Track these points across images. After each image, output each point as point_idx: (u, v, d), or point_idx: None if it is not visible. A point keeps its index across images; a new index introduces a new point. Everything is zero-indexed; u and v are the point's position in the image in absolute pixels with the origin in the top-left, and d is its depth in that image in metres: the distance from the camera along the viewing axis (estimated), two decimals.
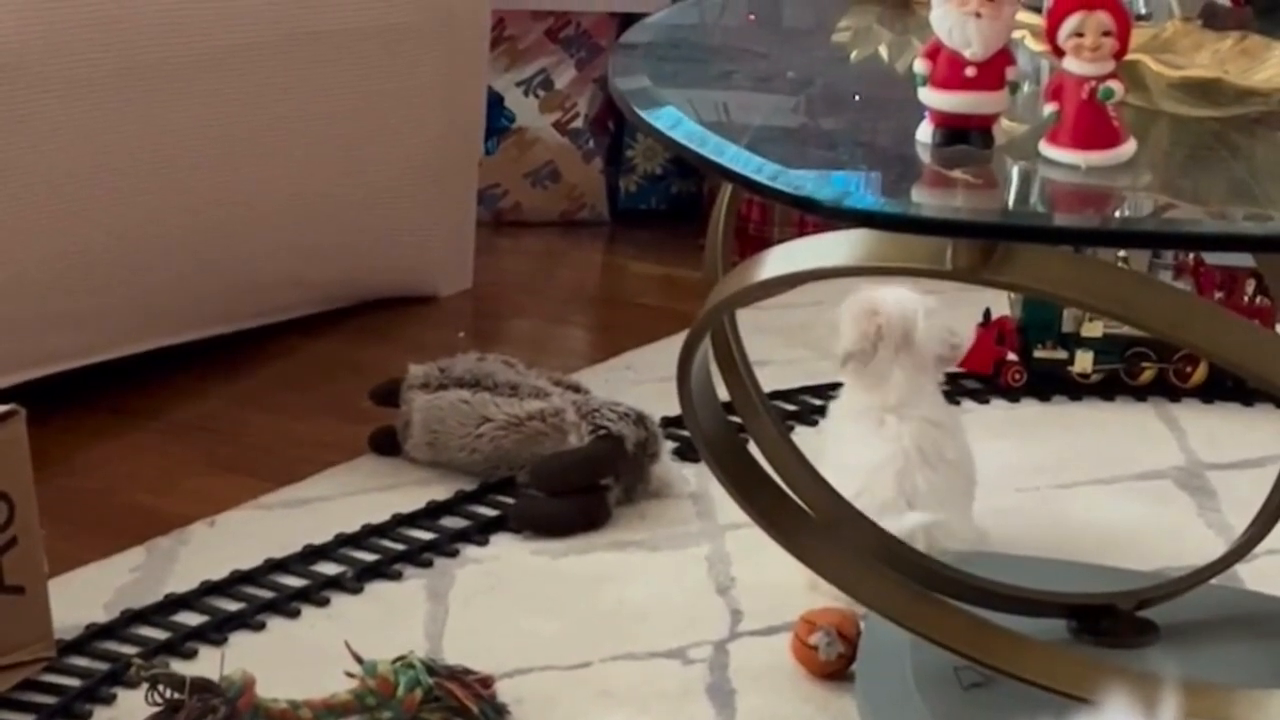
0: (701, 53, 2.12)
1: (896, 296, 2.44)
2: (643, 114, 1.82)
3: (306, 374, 3.04)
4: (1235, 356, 1.66)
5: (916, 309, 2.43)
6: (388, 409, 2.76)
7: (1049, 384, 2.95)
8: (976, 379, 2.98)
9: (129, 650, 2.26)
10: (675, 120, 1.79)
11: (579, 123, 3.74)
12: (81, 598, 2.35)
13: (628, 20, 3.56)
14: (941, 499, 2.35)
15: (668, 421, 2.70)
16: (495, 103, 3.63)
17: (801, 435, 2.80)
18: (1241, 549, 2.25)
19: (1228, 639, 2.15)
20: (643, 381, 2.94)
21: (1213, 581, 2.23)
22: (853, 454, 2.37)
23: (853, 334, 2.42)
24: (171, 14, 2.88)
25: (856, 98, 1.98)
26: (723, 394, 2.12)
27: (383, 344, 3.14)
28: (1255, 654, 2.11)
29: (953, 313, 3.03)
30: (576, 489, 2.58)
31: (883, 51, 2.11)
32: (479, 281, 3.40)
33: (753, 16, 2.31)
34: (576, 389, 2.74)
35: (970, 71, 1.68)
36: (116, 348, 2.93)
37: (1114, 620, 2.16)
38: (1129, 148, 1.67)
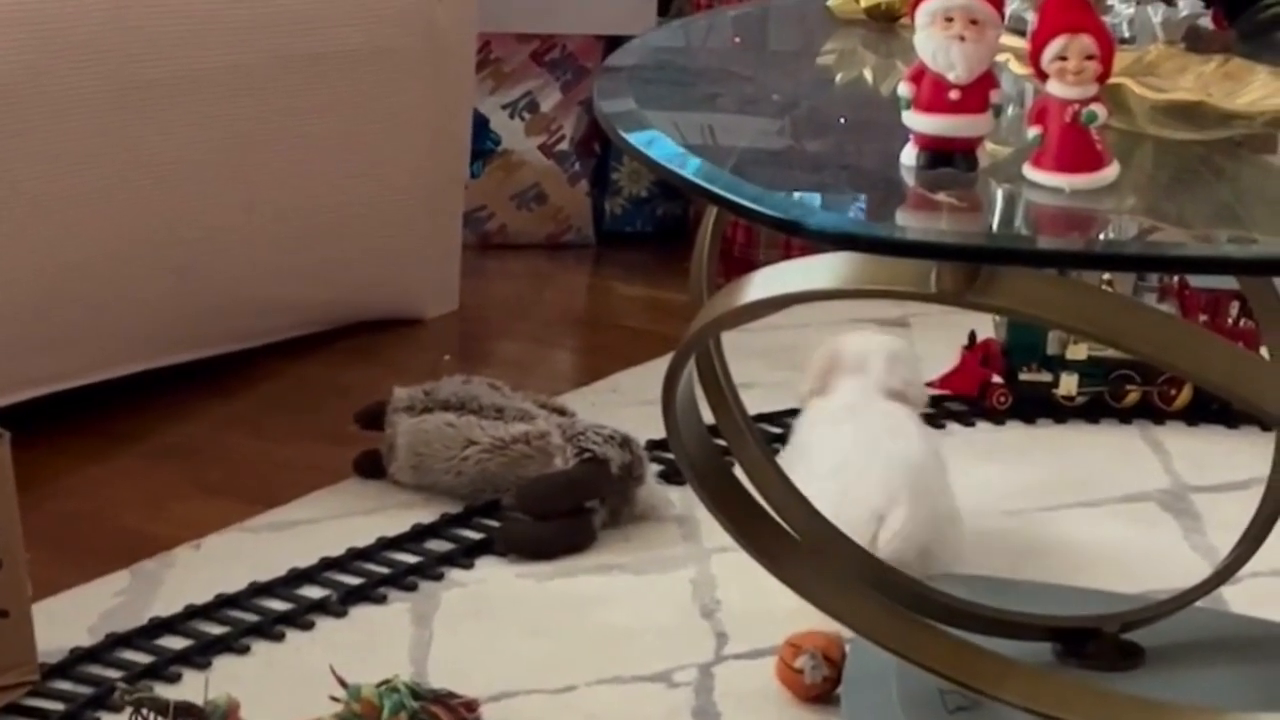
0: (686, 75, 2.12)
1: (862, 339, 2.63)
2: (627, 137, 1.82)
3: (291, 397, 3.03)
4: (1218, 379, 1.67)
5: (877, 349, 2.60)
6: (373, 432, 2.75)
7: (1034, 407, 2.96)
8: (961, 401, 2.98)
9: (113, 674, 2.25)
10: (659, 143, 1.79)
11: (565, 145, 3.75)
12: (66, 621, 2.35)
13: (613, 43, 3.56)
14: (894, 492, 2.39)
15: (653, 444, 2.70)
16: (481, 125, 3.63)
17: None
18: (1226, 571, 2.25)
19: (1213, 662, 2.15)
20: (628, 404, 2.94)
21: (1197, 604, 2.24)
22: (816, 459, 2.48)
23: (811, 373, 2.62)
24: (160, 36, 2.88)
25: (842, 120, 1.99)
26: (708, 417, 2.12)
27: (368, 366, 3.14)
28: (1240, 677, 2.11)
29: (937, 335, 3.06)
30: (562, 512, 2.58)
31: (867, 74, 2.12)
32: (465, 304, 3.40)
33: (738, 39, 2.32)
34: (562, 412, 2.74)
35: (954, 95, 1.69)
36: (102, 370, 2.93)
37: (1099, 643, 2.16)
38: (1112, 171, 1.67)
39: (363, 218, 3.19)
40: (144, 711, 2.05)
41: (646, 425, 2.67)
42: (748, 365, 2.98)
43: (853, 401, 2.56)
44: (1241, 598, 2.38)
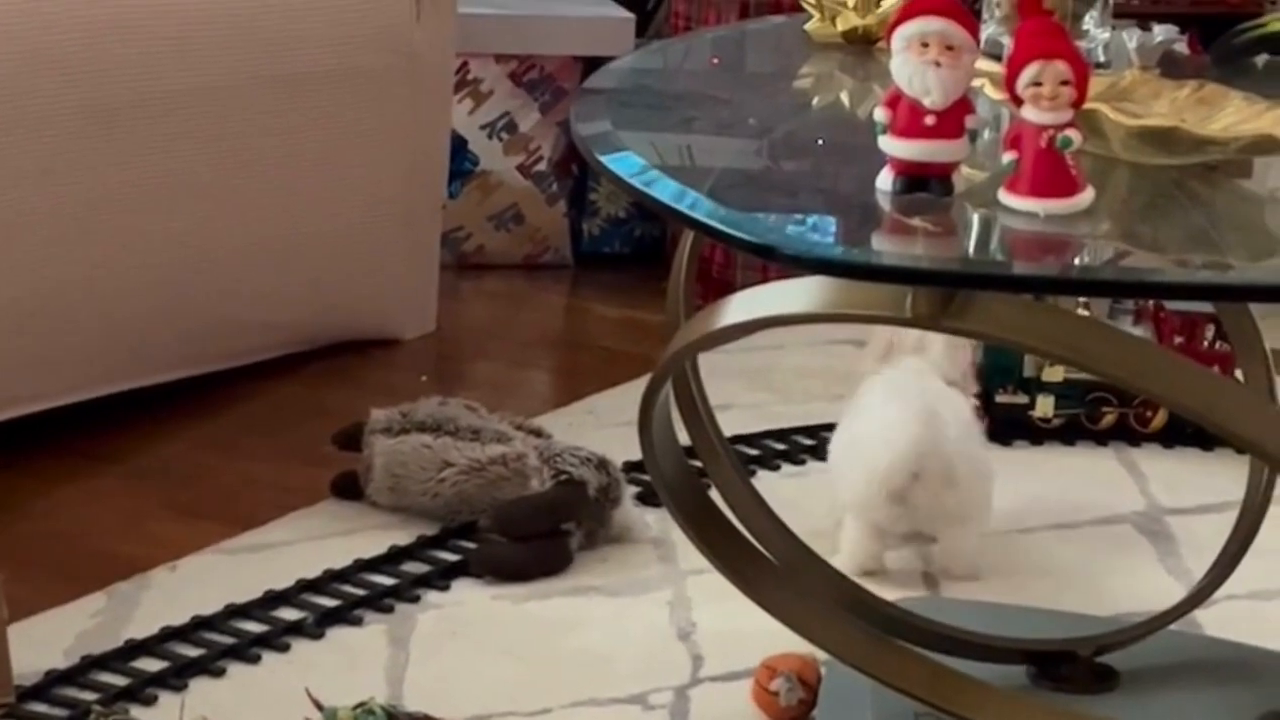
0: (664, 98, 2.12)
1: None
2: (603, 159, 1.82)
3: (268, 418, 3.03)
4: (1191, 403, 1.67)
5: (939, 334, 2.59)
6: (350, 453, 2.75)
7: (1010, 429, 2.96)
8: None
9: (89, 697, 2.25)
10: (636, 166, 1.80)
11: (542, 166, 3.75)
12: (41, 643, 2.34)
13: (591, 64, 3.57)
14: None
15: (630, 466, 2.70)
16: (459, 146, 3.64)
17: (763, 480, 2.81)
18: (1200, 594, 2.26)
19: (1187, 685, 2.15)
20: (605, 425, 2.94)
21: (1172, 627, 2.24)
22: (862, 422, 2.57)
23: (872, 350, 2.68)
24: (138, 56, 2.88)
25: (819, 142, 1.99)
26: (684, 438, 2.12)
27: (345, 388, 3.13)
28: (1214, 700, 2.12)
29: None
30: (538, 534, 2.58)
31: (844, 98, 2.12)
32: (442, 325, 3.41)
33: (716, 60, 2.32)
34: (539, 433, 2.74)
35: (930, 120, 1.69)
36: (78, 392, 2.92)
37: (1073, 666, 2.16)
38: (1087, 196, 1.68)
39: (340, 238, 3.19)
40: None
41: (623, 447, 2.66)
42: (725, 386, 2.99)
43: (907, 380, 2.59)
44: (1216, 621, 2.39)
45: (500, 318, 3.57)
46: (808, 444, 2.94)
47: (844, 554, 2.54)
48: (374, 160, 3.20)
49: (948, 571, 2.57)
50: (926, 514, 2.52)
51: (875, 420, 2.53)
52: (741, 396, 3.07)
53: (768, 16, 3.35)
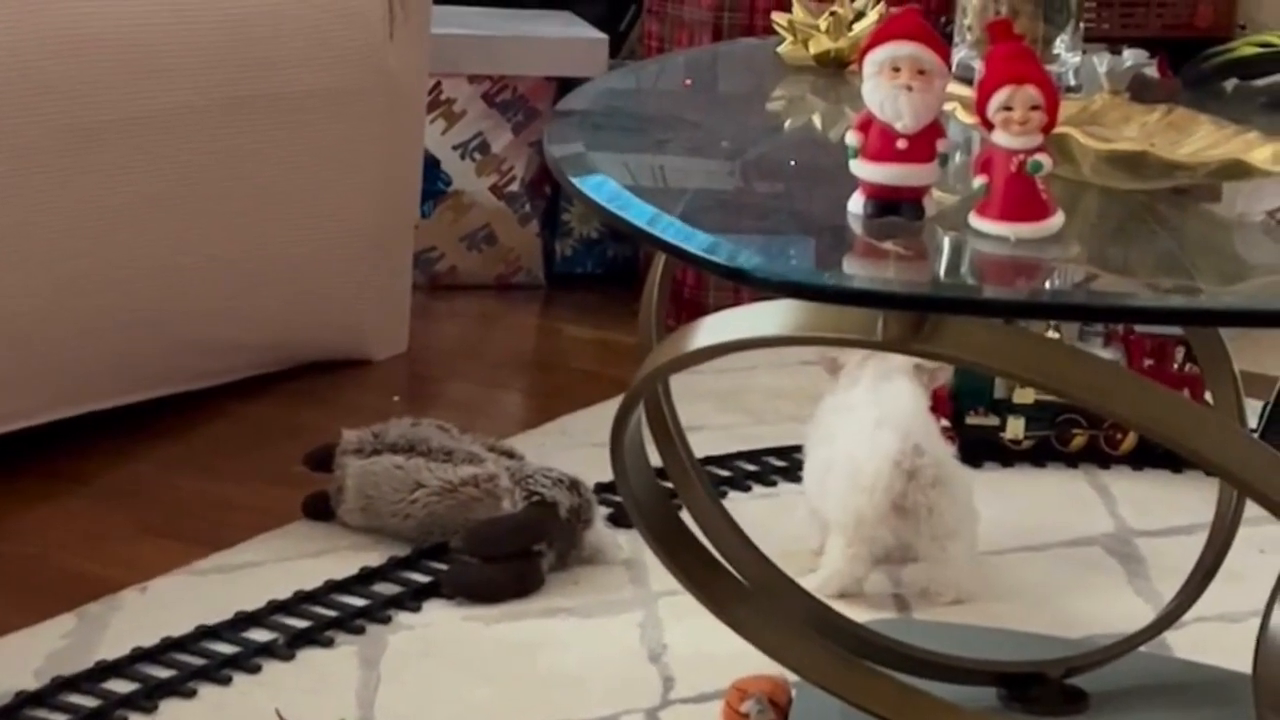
0: (637, 120, 2.13)
1: None
2: (575, 181, 1.83)
3: (240, 438, 3.03)
4: (1159, 427, 1.68)
5: None
6: (321, 474, 2.75)
7: (981, 450, 2.97)
8: None
9: (59, 718, 2.24)
10: (608, 189, 1.80)
11: (515, 186, 3.76)
12: (11, 664, 2.33)
13: (564, 85, 3.58)
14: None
15: (601, 487, 2.70)
16: (431, 166, 3.64)
17: (735, 501, 2.81)
18: (1169, 617, 2.26)
19: (1156, 707, 2.16)
20: (577, 446, 2.94)
21: (1141, 649, 2.25)
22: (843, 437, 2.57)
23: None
24: (108, 76, 2.88)
25: (792, 164, 2.00)
26: (656, 460, 2.13)
27: (317, 408, 3.13)
28: None
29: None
30: (510, 555, 2.58)
31: (816, 121, 2.13)
32: (414, 345, 3.41)
33: (689, 82, 2.33)
34: (511, 454, 2.74)
35: (901, 144, 1.70)
36: (48, 412, 2.91)
37: (1043, 688, 2.17)
38: (1057, 220, 1.68)
39: (312, 258, 3.19)
40: None
41: (595, 468, 2.67)
42: (696, 408, 2.99)
43: (877, 396, 2.57)
44: (1185, 643, 2.40)
45: (472, 338, 3.57)
46: (779, 465, 2.94)
47: (825, 576, 2.53)
48: (347, 180, 3.20)
49: (932, 595, 2.55)
50: (918, 522, 2.51)
51: (858, 436, 2.53)
52: (713, 418, 3.07)
53: (740, 39, 3.36)
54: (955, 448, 2.65)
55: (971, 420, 2.97)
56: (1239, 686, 2.11)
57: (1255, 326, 1.66)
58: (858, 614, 2.33)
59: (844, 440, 2.55)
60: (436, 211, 3.72)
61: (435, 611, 2.53)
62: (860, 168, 1.71)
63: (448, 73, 3.65)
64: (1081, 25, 2.09)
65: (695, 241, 1.70)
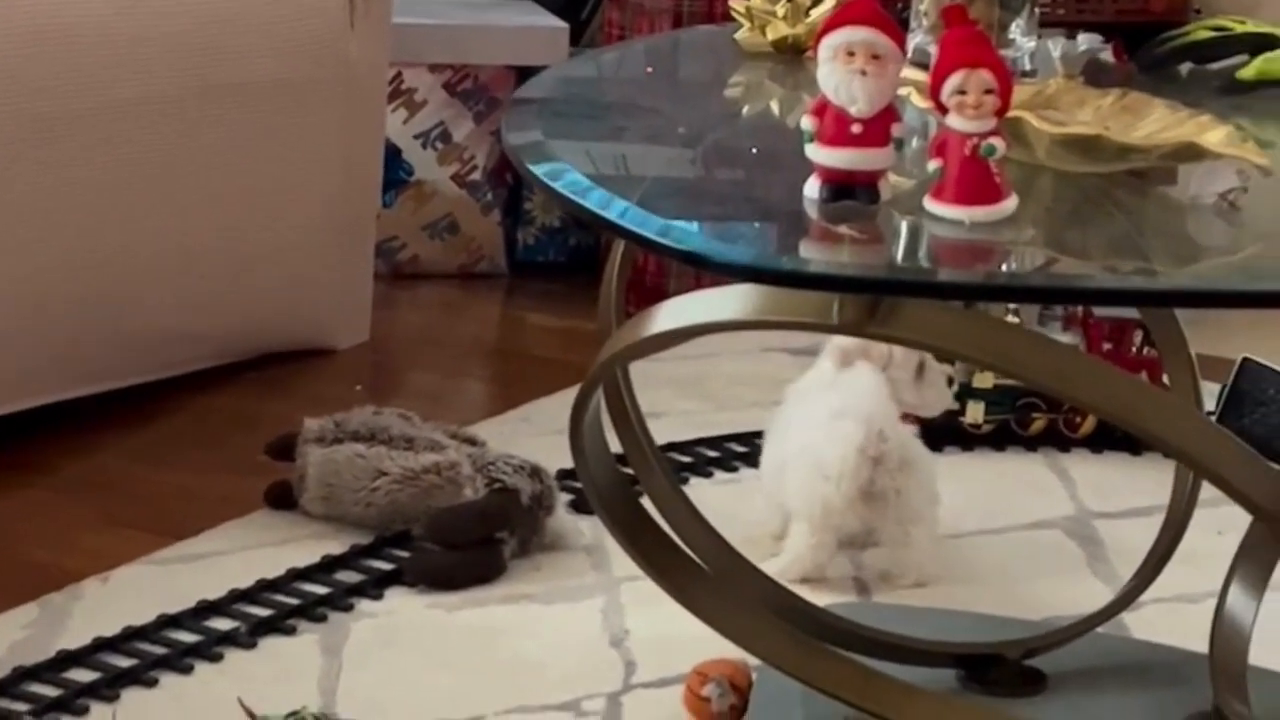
0: (595, 108, 2.13)
1: None
2: (533, 168, 1.83)
3: (201, 429, 3.03)
4: (1114, 409, 1.69)
5: None
6: (283, 463, 2.75)
7: (941, 435, 2.97)
8: None
9: (20, 708, 2.24)
10: (564, 176, 1.81)
11: (477, 175, 3.76)
12: None
13: (525, 73, 3.58)
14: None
15: (563, 474, 2.71)
16: (393, 156, 3.64)
17: (696, 487, 2.82)
18: (1127, 597, 2.28)
19: (1114, 687, 2.17)
20: (540, 434, 2.94)
21: (1099, 630, 2.26)
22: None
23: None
24: (69, 66, 2.87)
25: (750, 150, 2.00)
26: (617, 447, 2.13)
27: (279, 398, 3.13)
28: (1139, 702, 2.14)
29: None
30: (472, 542, 2.58)
31: (774, 107, 2.14)
32: (376, 335, 3.40)
33: (650, 70, 2.33)
34: (472, 442, 2.75)
35: (856, 128, 1.70)
36: (9, 403, 2.91)
37: (1002, 669, 2.18)
38: (1011, 203, 1.69)
39: (274, 248, 3.19)
40: None
41: (557, 455, 2.66)
42: (658, 394, 3.00)
43: (836, 383, 2.59)
44: (1142, 624, 2.41)
45: (435, 327, 3.57)
46: (741, 451, 2.95)
47: (788, 562, 2.53)
48: (308, 170, 3.20)
49: (893, 578, 2.56)
50: (885, 506, 2.51)
51: (818, 425, 2.54)
52: (675, 404, 3.08)
53: (700, 26, 3.37)
54: (916, 431, 2.67)
55: None
56: (1196, 666, 2.13)
57: (1208, 307, 1.67)
58: (818, 598, 2.34)
59: (803, 429, 2.56)
60: (398, 201, 3.71)
61: (397, 599, 2.53)
62: (815, 152, 1.72)
63: (409, 62, 3.65)
64: (1037, 10, 2.10)
65: (651, 226, 1.71)
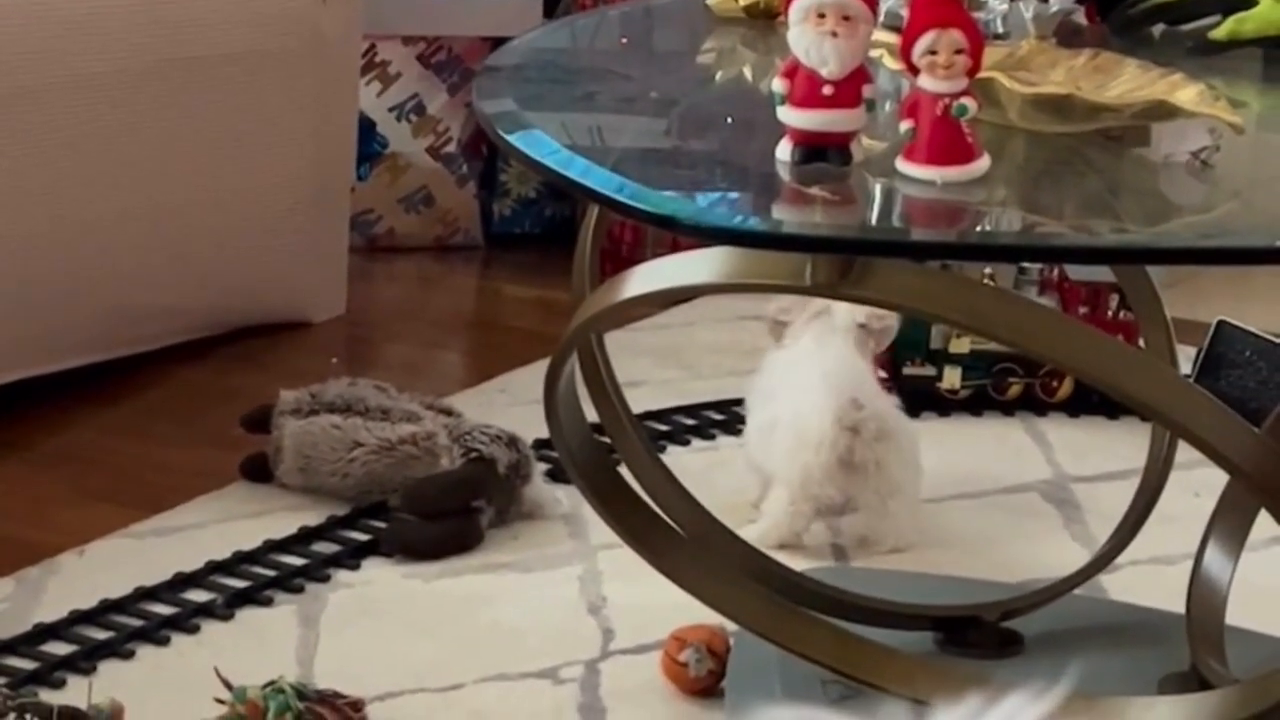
0: (567, 75, 2.13)
1: None
2: (505, 135, 1.83)
3: (177, 402, 3.02)
4: (1085, 366, 1.69)
5: None
6: (259, 435, 2.74)
7: (918, 400, 2.97)
8: None
9: None
10: (537, 141, 1.80)
11: (452, 147, 3.75)
12: None
13: (499, 44, 3.55)
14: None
15: (540, 444, 2.70)
16: (367, 128, 3.62)
17: (674, 455, 2.82)
18: (1103, 559, 2.28)
19: (1091, 648, 2.18)
20: (517, 404, 2.94)
21: (1076, 592, 2.26)
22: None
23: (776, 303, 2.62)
24: (41, 40, 2.86)
25: (728, 120, 2.00)
26: (594, 415, 2.13)
27: (255, 371, 3.12)
28: (1117, 662, 2.14)
29: None
30: (449, 512, 2.58)
31: (746, 72, 2.13)
32: (352, 308, 3.40)
33: (625, 39, 2.33)
34: (449, 412, 2.74)
35: (827, 90, 1.70)
36: None
37: (979, 631, 2.18)
38: (983, 163, 1.69)
39: (249, 221, 3.18)
40: (28, 717, 2.03)
41: (534, 425, 2.66)
42: (636, 363, 3.00)
43: (819, 349, 2.58)
44: (1119, 585, 2.42)
45: (411, 299, 3.56)
46: (718, 419, 2.95)
47: (765, 528, 2.53)
48: (282, 143, 3.19)
49: (871, 544, 2.56)
50: (865, 477, 2.51)
51: (801, 394, 2.54)
52: (653, 373, 3.08)
53: None
54: (898, 403, 2.68)
55: (908, 371, 2.98)
56: (1173, 627, 2.14)
57: (1180, 263, 1.68)
58: (796, 563, 2.34)
59: (788, 397, 2.56)
60: (373, 174, 3.70)
61: (374, 569, 2.53)
62: (787, 114, 1.71)
63: (382, 35, 3.63)
64: None
65: (625, 190, 1.71)
